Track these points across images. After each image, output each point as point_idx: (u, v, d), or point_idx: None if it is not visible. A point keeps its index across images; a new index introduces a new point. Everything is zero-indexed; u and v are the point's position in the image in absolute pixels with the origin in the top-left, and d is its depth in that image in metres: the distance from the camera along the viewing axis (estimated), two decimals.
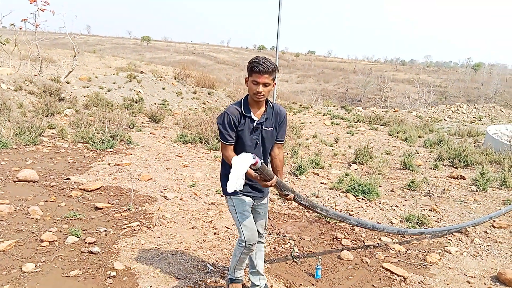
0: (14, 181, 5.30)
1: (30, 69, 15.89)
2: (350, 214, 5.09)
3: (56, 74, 14.84)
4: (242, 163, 2.32)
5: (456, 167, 8.14)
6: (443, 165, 8.29)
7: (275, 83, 2.72)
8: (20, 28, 15.19)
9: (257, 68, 2.55)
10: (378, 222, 4.92)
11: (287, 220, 4.78)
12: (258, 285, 3.10)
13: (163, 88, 17.02)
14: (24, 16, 14.59)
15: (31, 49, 15.96)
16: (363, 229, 4.62)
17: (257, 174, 2.54)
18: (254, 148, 2.79)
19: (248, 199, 2.86)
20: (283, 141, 2.93)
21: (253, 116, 2.73)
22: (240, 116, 2.70)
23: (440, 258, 3.96)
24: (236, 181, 2.31)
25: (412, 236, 4.46)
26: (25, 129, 7.90)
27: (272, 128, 2.81)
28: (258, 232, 3.02)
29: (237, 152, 2.69)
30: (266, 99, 2.78)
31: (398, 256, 4.00)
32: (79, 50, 16.36)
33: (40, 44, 15.37)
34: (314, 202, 3.27)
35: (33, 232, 3.86)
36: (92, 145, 7.68)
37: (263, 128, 2.77)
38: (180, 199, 5.25)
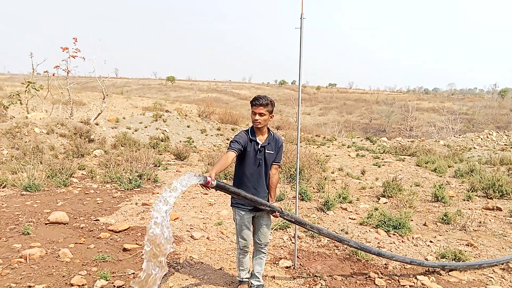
0: (46, 223, 5.40)
1: (61, 112, 16.61)
2: None
3: (86, 116, 15.43)
4: (185, 181, 2.55)
5: (491, 198, 7.80)
6: (476, 196, 7.96)
7: (272, 115, 3.42)
8: (53, 75, 16.03)
9: (255, 102, 3.33)
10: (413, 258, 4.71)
11: (316, 259, 4.65)
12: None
13: (188, 126, 17.37)
14: (57, 63, 15.44)
15: (63, 93, 16.74)
16: (397, 267, 4.43)
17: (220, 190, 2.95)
18: (257, 167, 3.42)
19: (248, 214, 3.46)
20: (279, 163, 3.58)
21: (257, 140, 3.40)
22: (247, 139, 3.37)
23: None
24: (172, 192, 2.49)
25: (434, 267, 4.28)
26: (56, 171, 8.14)
27: (273, 152, 3.47)
28: (260, 241, 3.60)
29: (244, 169, 3.40)
30: (268, 129, 3.51)
31: None
32: (108, 92, 17.03)
33: (71, 88, 16.12)
34: (300, 218, 3.75)
35: (63, 276, 3.88)
36: (120, 184, 7.81)
37: (266, 151, 3.42)
38: (207, 238, 5.20)
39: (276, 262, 4.47)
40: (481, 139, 20.39)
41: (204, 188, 2.76)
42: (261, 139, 3.42)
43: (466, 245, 5.24)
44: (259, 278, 3.69)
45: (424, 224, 6.14)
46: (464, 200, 7.70)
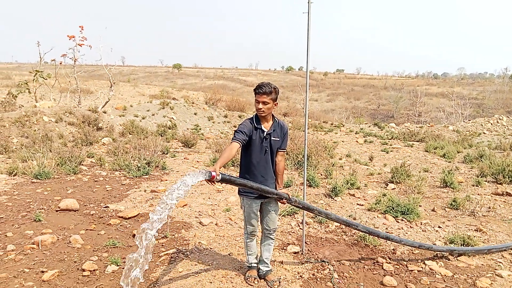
0: (56, 211, 5.48)
1: (69, 100, 16.69)
2: None
3: (94, 105, 15.50)
4: (190, 180, 2.57)
5: (500, 183, 7.73)
6: (486, 181, 7.90)
7: (276, 103, 3.35)
8: (60, 63, 16.07)
9: (258, 90, 3.26)
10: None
11: (324, 244, 4.67)
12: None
13: (195, 113, 17.37)
14: (64, 52, 15.48)
15: (71, 82, 16.81)
16: (405, 252, 4.44)
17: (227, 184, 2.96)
18: (264, 154, 3.39)
19: (256, 201, 3.46)
20: (285, 149, 3.56)
21: (263, 128, 3.37)
22: (252, 128, 3.33)
23: (491, 283, 3.71)
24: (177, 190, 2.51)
25: (441, 252, 4.29)
26: (65, 159, 8.22)
27: (279, 139, 3.44)
28: (269, 227, 3.60)
29: (250, 158, 3.39)
30: (273, 116, 3.44)
31: (444, 281, 3.79)
32: (115, 80, 17.05)
33: (78, 76, 16.16)
34: (308, 204, 3.72)
35: (74, 262, 3.95)
36: (129, 172, 7.87)
37: (272, 138, 3.39)
38: (216, 224, 5.25)
39: (284, 248, 4.50)
40: (491, 124, 20.13)
41: (210, 183, 2.75)
42: (266, 126, 3.38)
43: (475, 230, 5.23)
44: (267, 263, 3.71)
45: (433, 210, 6.12)
46: (473, 185, 7.65)
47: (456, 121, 25.71)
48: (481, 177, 8.13)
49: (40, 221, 4.98)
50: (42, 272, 3.67)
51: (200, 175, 2.62)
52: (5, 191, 6.35)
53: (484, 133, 18.36)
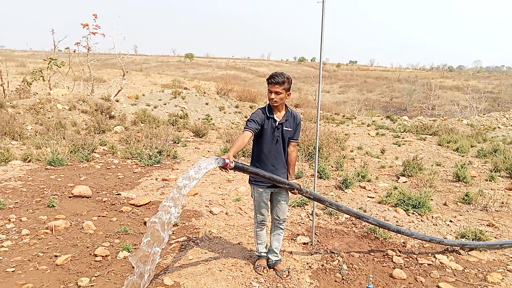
0: (70, 197, 5.57)
1: (83, 89, 16.85)
2: None
3: (107, 93, 15.61)
4: (203, 166, 2.64)
5: None
6: (499, 176, 7.79)
7: (289, 93, 3.33)
8: (74, 51, 16.20)
9: (270, 80, 3.24)
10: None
11: (334, 236, 4.67)
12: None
13: (206, 103, 17.40)
14: (78, 40, 15.58)
15: (84, 70, 16.94)
16: (415, 246, 4.41)
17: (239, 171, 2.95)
18: (275, 144, 3.39)
19: (266, 191, 3.46)
20: (297, 140, 3.54)
21: (275, 118, 3.36)
22: (264, 117, 3.34)
23: (503, 278, 3.68)
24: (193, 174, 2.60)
25: (453, 246, 4.25)
26: (78, 146, 8.32)
27: (291, 129, 3.43)
28: (279, 217, 3.61)
29: (262, 147, 3.39)
30: (286, 106, 3.43)
31: (455, 275, 3.77)
32: (127, 69, 17.14)
33: (91, 65, 16.29)
34: (319, 195, 3.72)
35: (87, 247, 4.02)
36: (140, 160, 7.94)
37: (284, 128, 3.39)
38: (226, 213, 5.28)
39: (294, 238, 4.51)
40: (507, 118, 19.74)
41: (223, 170, 2.79)
42: (278, 116, 3.38)
43: (487, 225, 5.17)
44: (277, 253, 3.73)
45: (444, 204, 6.07)
46: (487, 180, 7.54)
47: (470, 115, 25.29)
48: (495, 172, 8.01)
49: (53, 206, 5.07)
50: (56, 256, 3.75)
51: (214, 162, 2.64)
52: (19, 177, 6.47)
53: (499, 127, 18.04)
